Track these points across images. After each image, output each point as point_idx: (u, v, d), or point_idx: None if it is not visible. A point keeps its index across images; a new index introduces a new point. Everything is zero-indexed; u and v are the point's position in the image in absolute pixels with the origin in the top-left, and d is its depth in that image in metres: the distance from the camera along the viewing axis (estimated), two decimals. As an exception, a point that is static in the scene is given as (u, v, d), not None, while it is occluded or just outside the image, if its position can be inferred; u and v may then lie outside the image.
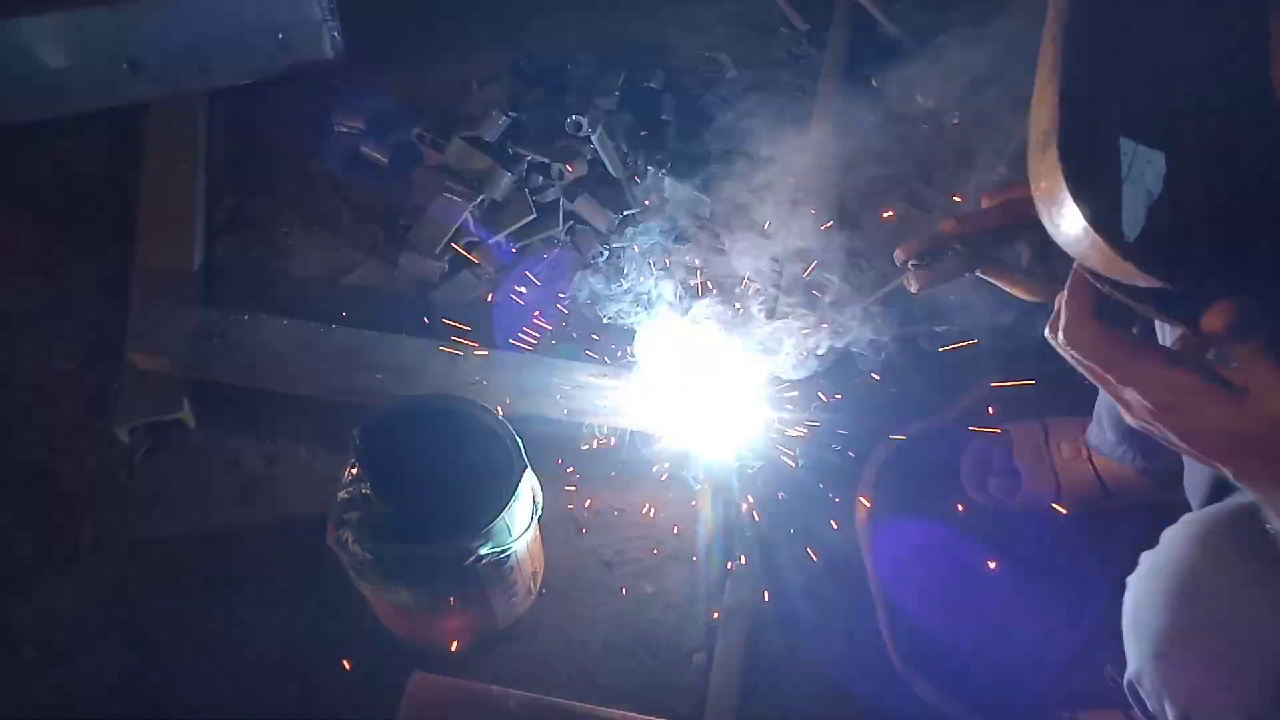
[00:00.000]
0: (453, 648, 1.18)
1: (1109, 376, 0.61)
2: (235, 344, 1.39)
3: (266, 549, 1.30)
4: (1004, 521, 1.28)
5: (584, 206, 1.58)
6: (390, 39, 1.85)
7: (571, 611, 1.25)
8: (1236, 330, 0.55)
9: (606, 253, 1.56)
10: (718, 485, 1.29)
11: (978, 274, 0.84)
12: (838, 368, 1.32)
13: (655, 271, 1.47)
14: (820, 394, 1.33)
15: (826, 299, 1.36)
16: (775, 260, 1.47)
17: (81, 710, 1.18)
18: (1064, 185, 0.56)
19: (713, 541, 1.28)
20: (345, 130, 1.72)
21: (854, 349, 1.24)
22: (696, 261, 1.48)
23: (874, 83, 1.71)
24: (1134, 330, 0.64)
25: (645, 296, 1.42)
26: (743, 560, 1.25)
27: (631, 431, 1.33)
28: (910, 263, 0.85)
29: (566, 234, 1.58)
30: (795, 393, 1.29)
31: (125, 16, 1.65)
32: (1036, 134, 0.58)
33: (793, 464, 1.29)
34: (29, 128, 1.69)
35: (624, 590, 1.26)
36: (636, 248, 1.52)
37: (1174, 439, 0.61)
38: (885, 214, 1.52)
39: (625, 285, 1.45)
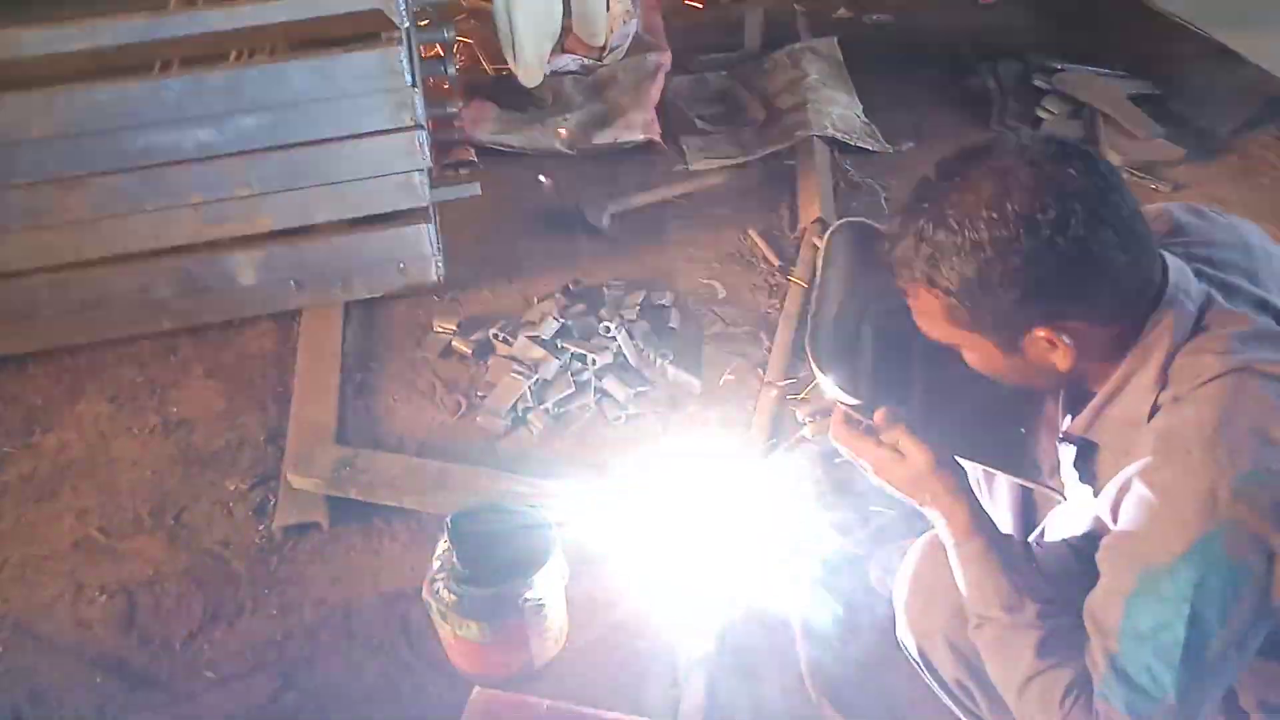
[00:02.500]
0: (503, 675, 1.68)
1: (852, 453, 1.18)
2: (360, 470, 1.99)
3: (375, 613, 1.83)
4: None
5: (610, 384, 2.20)
6: (477, 268, 2.58)
7: (588, 660, 1.75)
8: (889, 421, 1.13)
9: (624, 417, 2.17)
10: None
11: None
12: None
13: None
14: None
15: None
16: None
17: (243, 714, 1.68)
18: (816, 367, 1.17)
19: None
20: (441, 331, 2.40)
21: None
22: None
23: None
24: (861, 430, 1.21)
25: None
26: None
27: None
28: (808, 419, 1.45)
29: (595, 403, 2.19)
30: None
31: (294, 249, 2.40)
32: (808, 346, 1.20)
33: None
34: (224, 325, 2.40)
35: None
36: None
37: (887, 488, 1.17)
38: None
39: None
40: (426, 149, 2.29)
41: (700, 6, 3.90)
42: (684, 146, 3.08)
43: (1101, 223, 0.98)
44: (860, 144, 3.06)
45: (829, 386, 1.20)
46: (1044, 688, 1.04)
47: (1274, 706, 1.18)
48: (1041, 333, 1.03)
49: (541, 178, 2.81)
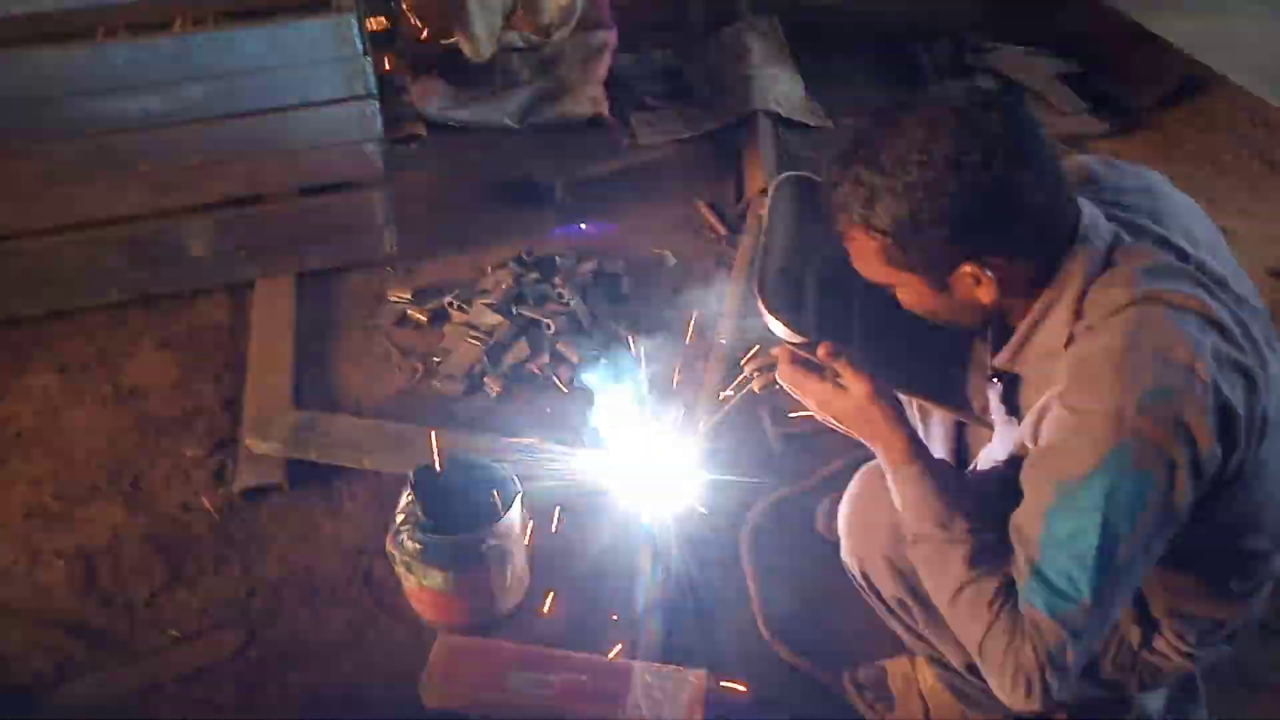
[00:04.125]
0: (467, 622, 1.73)
1: (797, 391, 1.26)
2: (320, 433, 2.02)
3: (338, 568, 1.86)
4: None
5: (562, 346, 2.26)
6: (429, 239, 2.61)
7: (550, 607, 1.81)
8: (832, 354, 1.21)
9: (574, 379, 2.22)
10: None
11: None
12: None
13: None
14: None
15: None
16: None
17: (209, 669, 1.70)
18: (764, 309, 1.24)
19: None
20: (396, 300, 2.43)
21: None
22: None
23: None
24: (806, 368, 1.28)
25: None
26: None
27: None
28: (754, 371, 1.51)
29: (550, 366, 2.25)
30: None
31: (245, 219, 2.40)
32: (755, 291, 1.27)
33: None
34: (175, 295, 2.40)
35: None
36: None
37: (832, 422, 1.25)
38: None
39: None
40: (378, 119, 2.32)
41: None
42: (632, 120, 3.14)
43: (1021, 164, 1.07)
44: (802, 119, 3.16)
45: (777, 328, 1.27)
46: (974, 595, 1.13)
47: (1180, 613, 1.29)
48: (968, 268, 1.12)
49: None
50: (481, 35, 3.15)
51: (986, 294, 1.14)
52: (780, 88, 3.22)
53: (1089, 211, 1.16)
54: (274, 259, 2.43)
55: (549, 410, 2.15)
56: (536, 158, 2.95)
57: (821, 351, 1.22)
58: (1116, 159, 1.33)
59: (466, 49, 3.16)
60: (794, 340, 1.26)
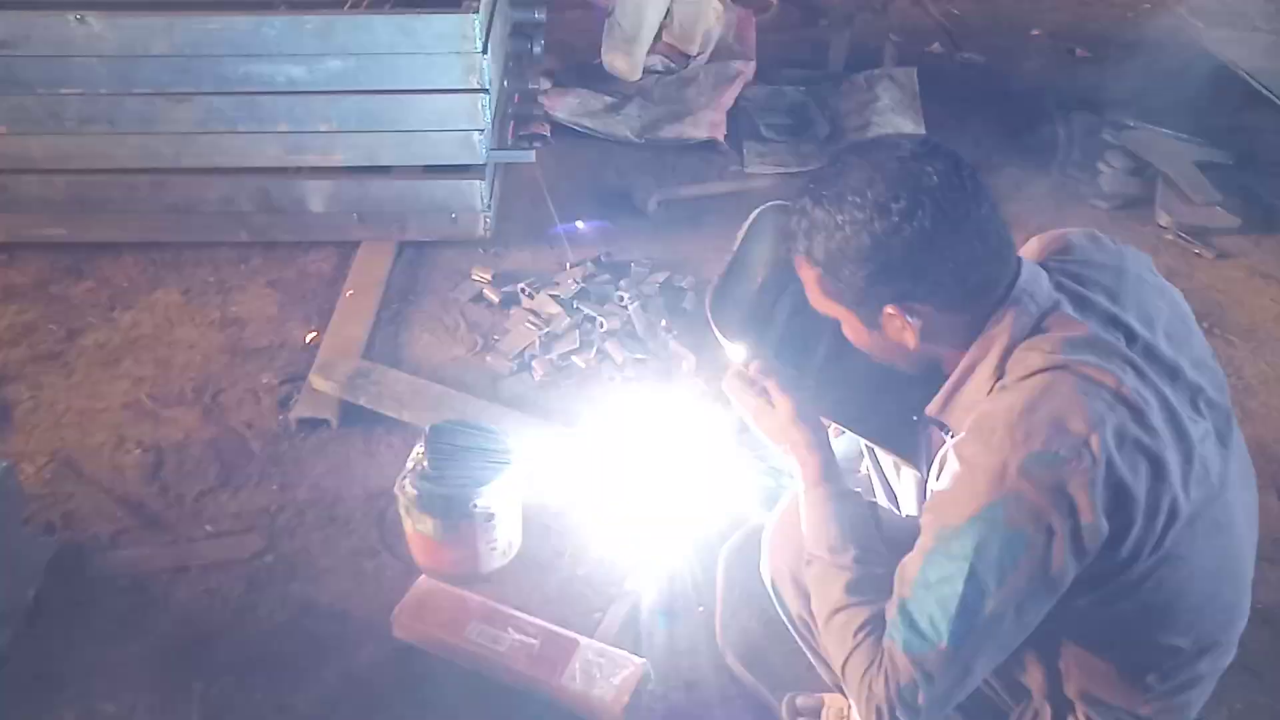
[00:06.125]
0: (451, 573, 1.88)
1: (737, 403, 1.33)
2: (374, 383, 2.23)
3: (358, 504, 2.06)
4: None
5: (611, 347, 2.38)
6: (524, 229, 2.81)
7: (530, 577, 1.94)
8: (762, 373, 1.28)
9: (618, 378, 2.35)
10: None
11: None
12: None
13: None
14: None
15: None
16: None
17: (227, 564, 1.93)
18: (714, 326, 1.32)
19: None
20: (476, 279, 2.63)
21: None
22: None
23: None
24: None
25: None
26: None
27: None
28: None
29: (596, 361, 2.38)
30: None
31: (360, 186, 2.67)
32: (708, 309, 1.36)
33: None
34: (292, 244, 2.70)
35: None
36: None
37: (761, 435, 1.32)
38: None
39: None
40: (488, 111, 2.53)
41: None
42: (744, 149, 3.24)
43: (947, 219, 1.11)
44: (914, 171, 3.15)
45: (725, 344, 1.35)
46: (844, 621, 1.17)
47: (1094, 698, 1.28)
48: (890, 310, 1.16)
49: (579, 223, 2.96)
50: (634, 59, 3.36)
51: (911, 339, 1.19)
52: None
53: (1030, 274, 1.18)
54: (380, 225, 2.68)
55: (583, 400, 2.28)
56: (642, 170, 3.10)
57: (752, 369, 1.30)
58: (1104, 236, 1.34)
59: (619, 69, 3.37)
60: (738, 356, 1.34)
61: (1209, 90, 3.47)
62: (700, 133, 3.25)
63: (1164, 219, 2.99)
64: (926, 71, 3.68)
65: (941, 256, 1.13)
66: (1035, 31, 4.31)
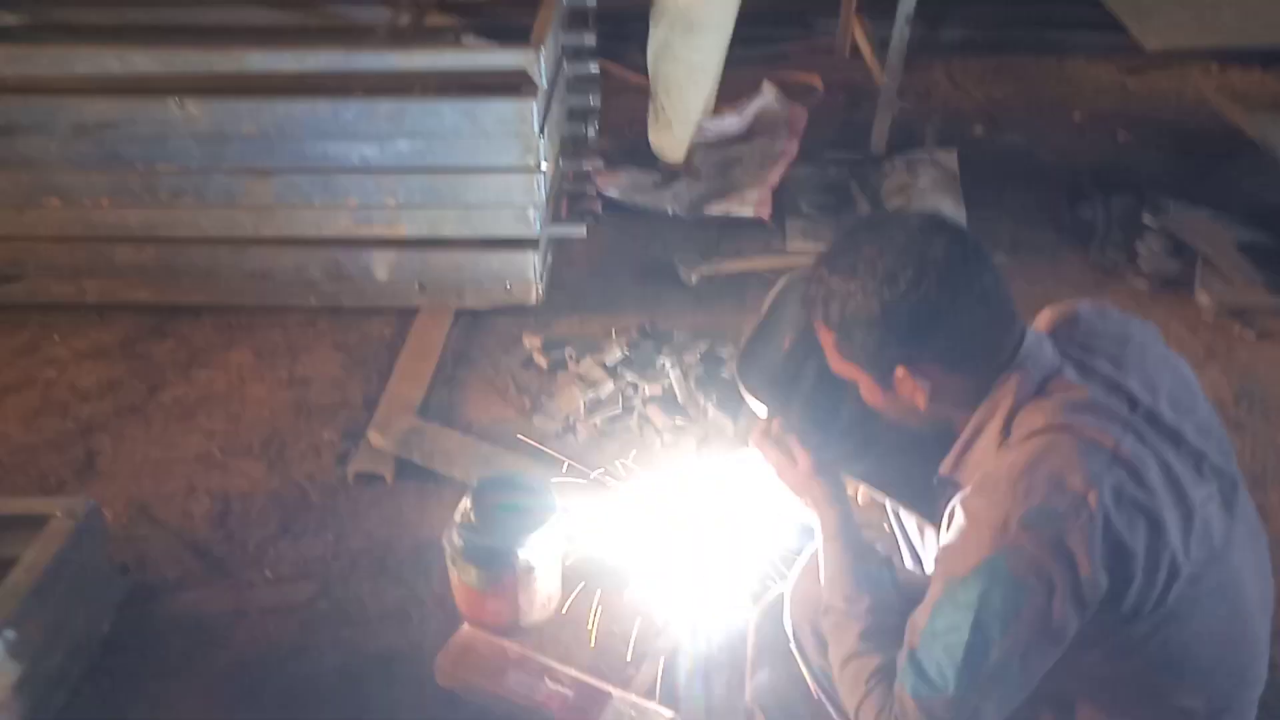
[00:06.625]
0: (493, 623, 1.97)
1: (765, 457, 1.42)
2: (428, 440, 2.36)
3: (408, 555, 2.17)
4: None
5: (652, 412, 2.49)
6: (574, 297, 2.95)
7: (569, 630, 2.01)
8: (784, 430, 1.37)
9: (659, 442, 2.44)
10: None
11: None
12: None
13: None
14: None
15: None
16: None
17: (285, 608, 2.05)
18: (742, 385, 1.42)
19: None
20: (527, 345, 2.77)
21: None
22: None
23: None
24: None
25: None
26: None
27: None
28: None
29: (637, 426, 2.48)
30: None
31: (422, 257, 2.84)
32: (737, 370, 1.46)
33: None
34: (356, 310, 2.87)
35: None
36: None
37: (784, 489, 1.40)
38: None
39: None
40: (543, 188, 2.70)
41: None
42: (787, 226, 3.37)
43: (951, 288, 1.20)
44: (953, 248, 3.24)
45: (752, 403, 1.45)
46: (858, 668, 1.23)
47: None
48: (900, 372, 1.25)
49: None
50: (678, 141, 3.54)
51: (921, 399, 1.27)
52: (939, 216, 3.33)
53: (1034, 341, 1.27)
54: (439, 293, 2.85)
55: (623, 463, 2.37)
56: (688, 244, 3.24)
57: (775, 426, 1.39)
58: (1113, 308, 1.41)
59: (664, 151, 3.54)
60: (763, 414, 1.43)
61: (1249, 173, 3.53)
62: (746, 210, 3.39)
63: (1204, 299, 3.03)
64: (968, 153, 3.79)
65: (945, 322, 1.22)
66: (1077, 115, 4.41)
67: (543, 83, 2.62)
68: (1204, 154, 3.88)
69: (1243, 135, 3.64)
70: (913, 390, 1.27)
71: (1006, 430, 1.23)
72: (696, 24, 3.26)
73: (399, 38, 2.94)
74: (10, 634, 1.60)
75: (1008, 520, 1.14)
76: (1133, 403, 1.25)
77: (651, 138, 3.60)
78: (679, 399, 2.54)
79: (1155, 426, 1.24)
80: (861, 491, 1.73)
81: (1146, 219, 3.37)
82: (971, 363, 1.25)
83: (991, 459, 1.24)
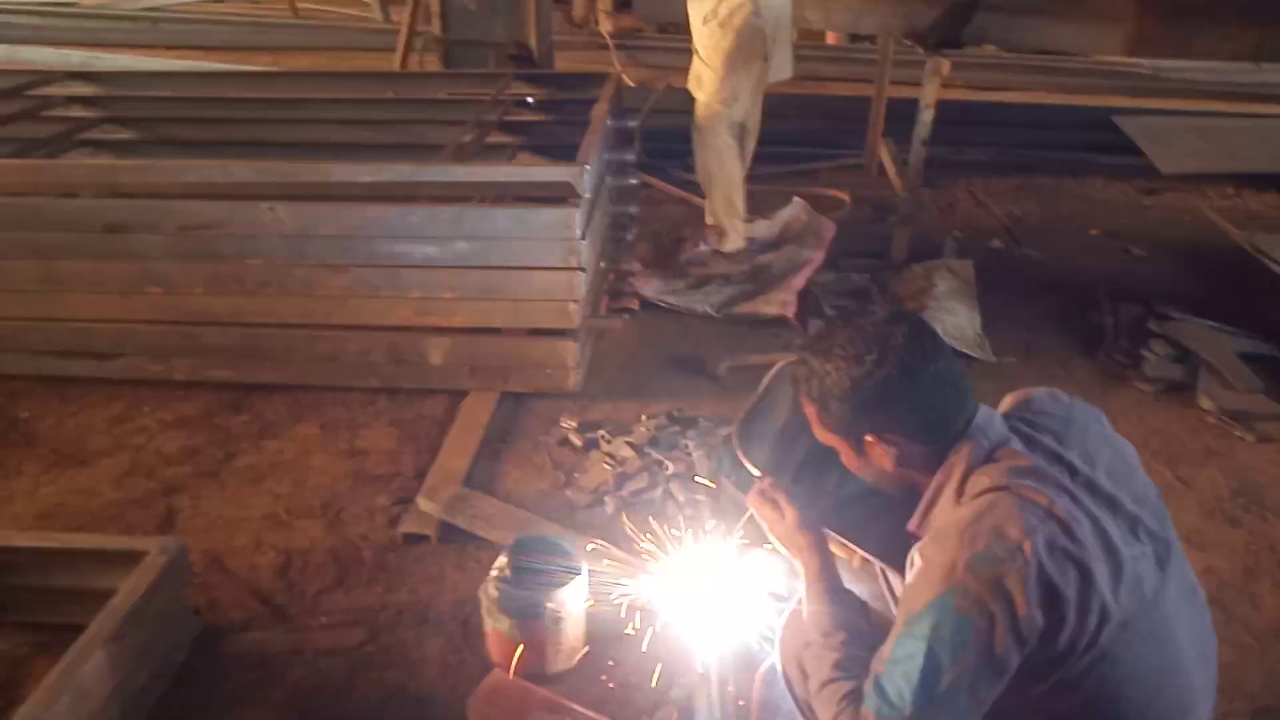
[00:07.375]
0: (521, 669, 2.17)
1: (759, 514, 1.64)
2: (470, 506, 2.61)
3: (449, 608, 2.39)
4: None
5: (675, 488, 2.72)
6: (610, 384, 3.22)
7: (593, 678, 2.20)
8: (773, 487, 1.59)
9: (681, 517, 2.66)
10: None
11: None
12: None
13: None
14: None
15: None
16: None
17: (336, 651, 2.27)
18: (739, 451, 1.66)
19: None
20: (564, 425, 3.03)
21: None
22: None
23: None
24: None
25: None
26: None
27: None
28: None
29: (661, 500, 2.70)
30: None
31: (473, 344, 3.15)
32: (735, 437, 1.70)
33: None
34: (412, 391, 3.18)
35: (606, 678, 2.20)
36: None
37: (775, 541, 1.62)
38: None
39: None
40: (584, 286, 3.00)
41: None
42: (809, 325, 3.63)
43: (908, 369, 1.44)
44: (967, 351, 3.47)
45: (748, 467, 1.68)
46: (832, 692, 1.42)
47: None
48: (870, 438, 1.48)
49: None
50: (734, 229, 3.90)
51: (889, 463, 1.50)
52: (953, 319, 3.58)
53: (985, 416, 1.49)
54: (486, 377, 3.14)
55: (649, 534, 2.59)
56: (716, 340, 3.51)
57: (765, 484, 1.62)
58: (1063, 393, 1.63)
59: (728, 240, 3.88)
60: (759, 476, 1.67)
61: (1255, 289, 3.72)
62: (772, 310, 3.67)
63: (1206, 403, 3.20)
64: (986, 263, 4.06)
65: (905, 397, 1.45)
66: (1093, 231, 4.67)
67: (586, 194, 2.96)
68: (1212, 270, 4.10)
69: (1249, 254, 3.86)
70: (881, 455, 1.50)
71: (961, 491, 1.45)
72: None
73: (463, 154, 3.32)
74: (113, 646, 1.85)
75: (955, 563, 1.34)
76: (1072, 471, 1.46)
77: (720, 232, 3.96)
78: (700, 476, 2.76)
79: (1092, 493, 1.44)
80: (857, 556, 1.93)
81: (1153, 326, 3.58)
82: (929, 432, 1.47)
83: (948, 515, 1.45)
